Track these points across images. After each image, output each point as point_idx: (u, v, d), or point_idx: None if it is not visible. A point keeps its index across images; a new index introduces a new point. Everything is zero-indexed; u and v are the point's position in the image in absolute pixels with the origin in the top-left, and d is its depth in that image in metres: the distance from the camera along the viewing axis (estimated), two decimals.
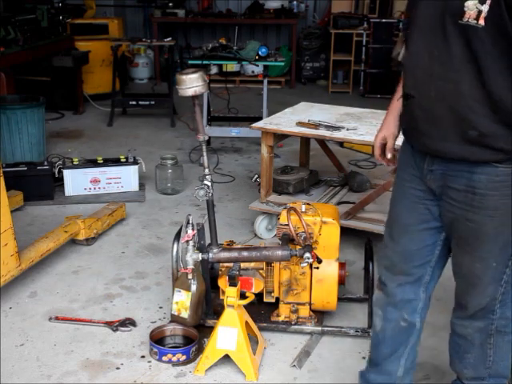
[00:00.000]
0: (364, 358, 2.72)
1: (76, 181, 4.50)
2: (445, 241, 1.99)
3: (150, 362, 2.70)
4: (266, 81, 5.59)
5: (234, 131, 5.51)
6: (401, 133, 2.05)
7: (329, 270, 2.84)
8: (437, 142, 1.79)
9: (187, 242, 2.62)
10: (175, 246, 2.83)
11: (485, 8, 1.58)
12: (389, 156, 2.15)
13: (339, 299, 2.93)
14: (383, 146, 2.16)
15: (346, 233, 3.22)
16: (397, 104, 2.10)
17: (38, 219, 4.16)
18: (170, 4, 8.64)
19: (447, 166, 1.81)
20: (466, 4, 1.60)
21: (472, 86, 1.67)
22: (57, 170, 4.49)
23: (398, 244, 2.04)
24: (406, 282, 2.06)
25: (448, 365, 2.18)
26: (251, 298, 2.67)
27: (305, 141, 4.31)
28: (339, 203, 3.86)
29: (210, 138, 4.67)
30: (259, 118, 4.80)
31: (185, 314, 2.75)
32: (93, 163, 4.57)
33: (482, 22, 1.58)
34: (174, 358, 2.67)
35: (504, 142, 1.69)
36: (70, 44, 7.04)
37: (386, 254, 2.11)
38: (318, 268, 2.80)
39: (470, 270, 1.91)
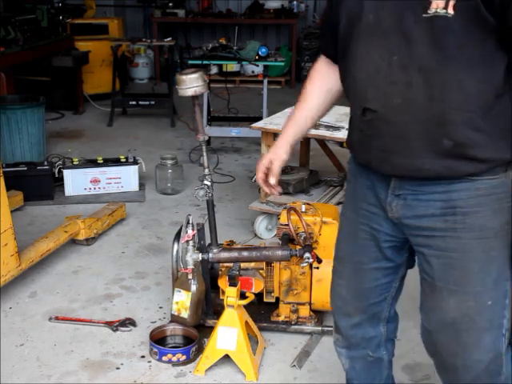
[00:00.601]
0: None
1: (76, 181, 4.50)
2: (404, 276, 1.83)
3: (149, 362, 2.70)
4: (265, 81, 5.59)
5: (233, 131, 5.51)
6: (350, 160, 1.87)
7: (329, 270, 2.79)
8: (406, 160, 1.55)
9: (187, 241, 2.62)
10: (175, 245, 2.83)
11: None
12: (272, 181, 1.89)
13: None
14: (267, 171, 1.90)
15: None
16: (293, 125, 1.88)
17: (37, 219, 4.16)
18: (170, 4, 8.64)
19: (418, 189, 1.58)
20: None
21: (443, 88, 1.46)
22: (57, 170, 4.49)
23: (350, 281, 1.86)
24: (362, 320, 1.87)
25: None
26: (251, 298, 2.67)
27: (305, 141, 4.31)
28: (339, 203, 3.86)
29: (209, 137, 4.66)
30: (259, 118, 4.81)
31: (185, 314, 2.75)
32: (93, 163, 4.57)
33: (451, 10, 1.39)
34: (174, 358, 2.67)
35: (482, 150, 1.49)
36: (70, 44, 7.04)
37: (337, 293, 1.93)
38: (318, 268, 2.80)
39: (462, 313, 1.61)
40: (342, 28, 1.63)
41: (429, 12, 1.42)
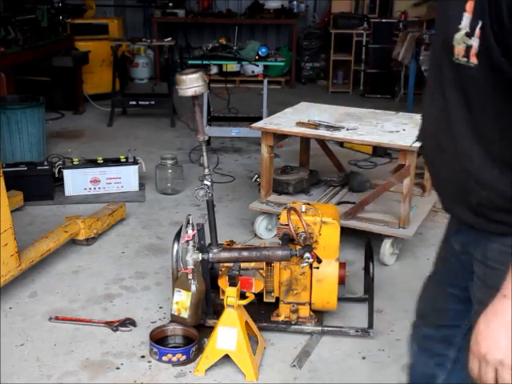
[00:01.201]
0: (364, 358, 2.73)
1: (76, 181, 4.50)
2: None
3: (149, 362, 2.70)
4: (265, 81, 5.59)
5: (233, 131, 5.51)
6: None
7: (329, 270, 2.84)
8: (449, 204, 1.53)
9: (187, 242, 2.62)
10: (175, 245, 2.83)
11: (474, 42, 1.24)
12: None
13: (339, 299, 2.93)
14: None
15: (345, 233, 3.22)
16: None
17: (37, 219, 4.16)
18: (170, 4, 8.66)
19: (469, 228, 1.49)
20: (455, 37, 1.27)
21: (469, 143, 1.35)
22: (57, 170, 4.50)
23: (430, 294, 1.81)
24: (434, 335, 1.78)
25: None
26: (251, 298, 2.67)
27: (305, 141, 4.31)
28: (339, 203, 3.86)
29: (210, 137, 4.67)
30: (259, 118, 4.80)
31: (185, 314, 2.75)
32: (93, 163, 4.57)
33: (473, 59, 1.25)
34: (174, 358, 2.67)
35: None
36: (70, 44, 7.05)
37: (421, 296, 1.87)
38: (318, 268, 2.80)
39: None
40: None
41: (453, 57, 1.29)
